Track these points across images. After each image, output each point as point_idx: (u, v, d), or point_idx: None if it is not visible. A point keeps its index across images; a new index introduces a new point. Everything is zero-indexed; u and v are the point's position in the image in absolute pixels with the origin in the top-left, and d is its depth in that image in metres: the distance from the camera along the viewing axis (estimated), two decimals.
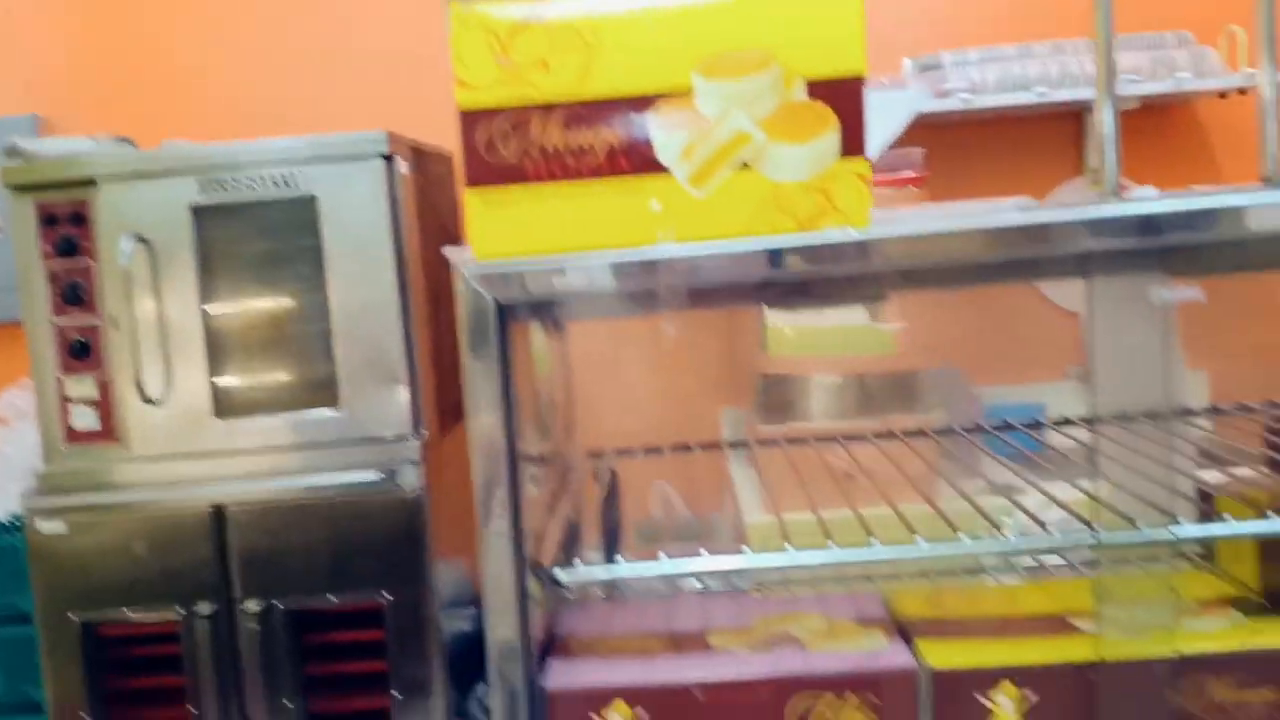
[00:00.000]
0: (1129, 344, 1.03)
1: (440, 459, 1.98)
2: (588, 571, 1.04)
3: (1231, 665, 1.00)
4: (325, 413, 1.91)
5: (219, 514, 1.88)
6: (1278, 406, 1.33)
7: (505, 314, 1.06)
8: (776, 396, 2.05)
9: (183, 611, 1.89)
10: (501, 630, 1.04)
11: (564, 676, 1.06)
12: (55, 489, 1.91)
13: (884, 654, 1.01)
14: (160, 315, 1.89)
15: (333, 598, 1.91)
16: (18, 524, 2.02)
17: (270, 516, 1.89)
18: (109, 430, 1.92)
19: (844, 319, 1.99)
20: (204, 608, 1.88)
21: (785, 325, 2.02)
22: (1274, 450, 1.18)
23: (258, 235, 1.90)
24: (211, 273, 1.90)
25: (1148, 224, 1.00)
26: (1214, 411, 1.38)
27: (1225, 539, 1.11)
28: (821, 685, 0.99)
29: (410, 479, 1.88)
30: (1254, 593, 1.11)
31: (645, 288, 1.06)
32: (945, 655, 0.99)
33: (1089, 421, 1.03)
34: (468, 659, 1.93)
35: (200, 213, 1.88)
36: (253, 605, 1.89)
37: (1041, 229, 1.01)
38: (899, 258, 1.03)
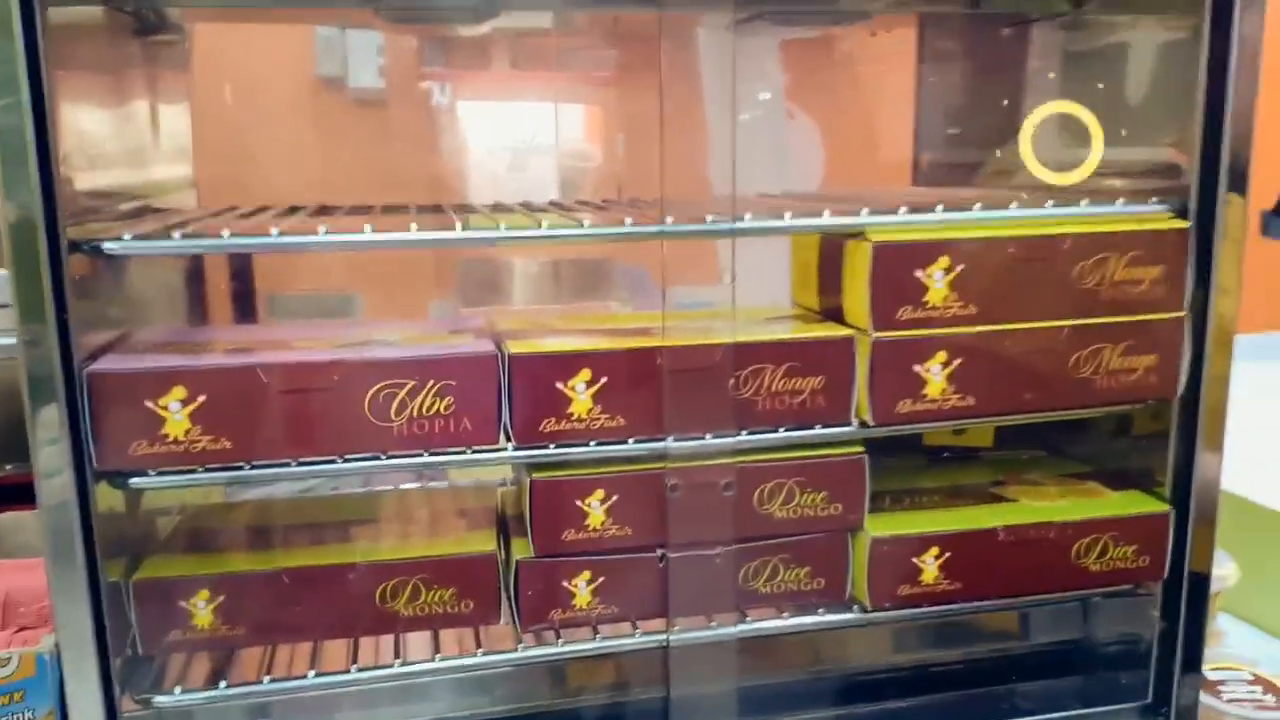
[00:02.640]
0: None
1: None
2: (157, 245, 0.97)
3: (786, 353, 1.10)
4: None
5: None
6: None
7: None
8: (476, 280, 2.12)
9: None
10: (29, 307, 0.88)
11: (115, 363, 0.98)
12: None
13: (468, 347, 1.06)
14: None
15: (8, 467, 1.85)
16: None
17: None
18: None
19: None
20: None
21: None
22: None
23: None
24: None
25: None
26: None
27: (789, 233, 1.18)
28: (401, 372, 1.01)
29: None
30: (815, 314, 1.23)
31: None
32: (527, 348, 1.05)
33: None
34: None
35: None
36: None
37: None
38: None
